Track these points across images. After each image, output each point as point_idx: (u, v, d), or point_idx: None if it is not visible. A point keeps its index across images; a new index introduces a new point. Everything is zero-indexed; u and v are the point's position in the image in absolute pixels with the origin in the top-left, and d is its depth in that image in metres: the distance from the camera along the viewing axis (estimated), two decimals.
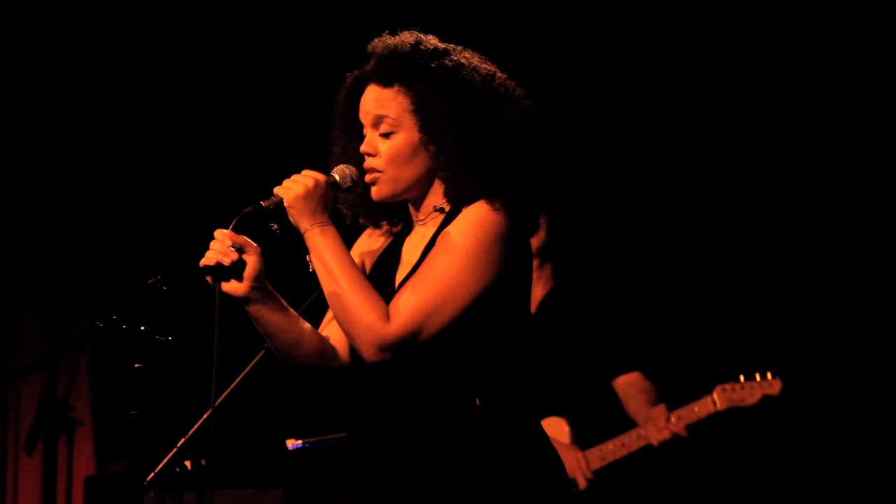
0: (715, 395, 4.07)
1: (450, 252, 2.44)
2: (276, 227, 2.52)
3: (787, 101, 4.90)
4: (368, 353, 2.43)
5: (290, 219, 2.50)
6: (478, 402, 2.47)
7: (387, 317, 2.42)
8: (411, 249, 2.59)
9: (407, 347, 2.41)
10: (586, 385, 4.24)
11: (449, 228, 2.48)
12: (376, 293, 2.45)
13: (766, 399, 4.03)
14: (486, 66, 2.58)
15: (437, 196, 2.56)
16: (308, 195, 2.48)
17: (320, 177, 2.52)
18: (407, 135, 2.53)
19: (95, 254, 5.69)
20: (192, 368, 3.60)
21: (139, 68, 5.56)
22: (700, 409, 4.09)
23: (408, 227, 2.65)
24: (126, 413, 4.09)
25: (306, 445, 4.32)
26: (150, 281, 3.40)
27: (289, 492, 4.75)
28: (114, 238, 5.64)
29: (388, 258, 2.64)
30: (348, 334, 2.47)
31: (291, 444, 4.38)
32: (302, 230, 2.50)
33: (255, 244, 2.49)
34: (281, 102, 5.39)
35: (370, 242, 2.72)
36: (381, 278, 2.60)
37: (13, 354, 5.56)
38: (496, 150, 2.49)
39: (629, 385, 4.23)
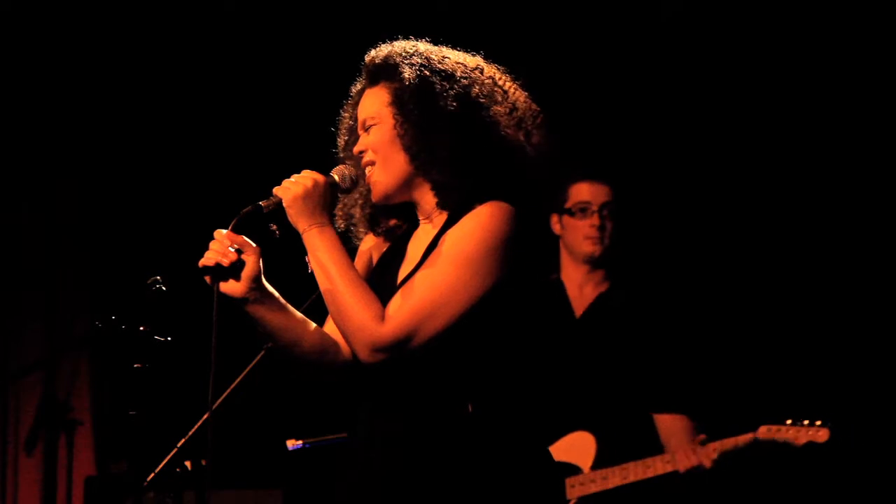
0: (758, 434, 3.95)
1: (450, 256, 2.44)
2: (274, 227, 2.53)
3: (788, 104, 4.90)
4: (362, 353, 2.44)
5: (289, 219, 2.51)
6: (470, 407, 2.47)
7: (382, 318, 2.42)
8: (416, 246, 2.59)
9: (401, 350, 2.41)
10: (621, 401, 4.10)
11: (452, 230, 2.48)
12: (372, 294, 2.45)
13: (811, 446, 3.95)
14: (475, 62, 2.60)
15: (430, 192, 2.57)
16: (307, 196, 2.49)
17: (319, 177, 2.53)
18: (385, 126, 2.55)
19: (95, 254, 5.69)
20: (191, 368, 3.60)
21: (139, 69, 5.56)
22: (740, 440, 3.98)
23: (415, 226, 2.65)
24: (126, 413, 4.09)
25: (306, 445, 4.31)
26: (149, 281, 3.40)
27: (289, 492, 4.74)
28: (114, 238, 5.63)
29: (393, 254, 2.65)
30: (343, 334, 2.48)
31: (291, 444, 4.37)
32: (300, 230, 2.51)
33: (253, 245, 2.49)
34: (281, 103, 5.39)
35: (375, 244, 2.73)
36: (385, 274, 2.61)
37: (13, 354, 5.56)
38: (474, 149, 2.50)
39: (672, 423, 4.08)
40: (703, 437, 4.00)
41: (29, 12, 5.51)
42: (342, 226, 2.68)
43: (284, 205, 2.50)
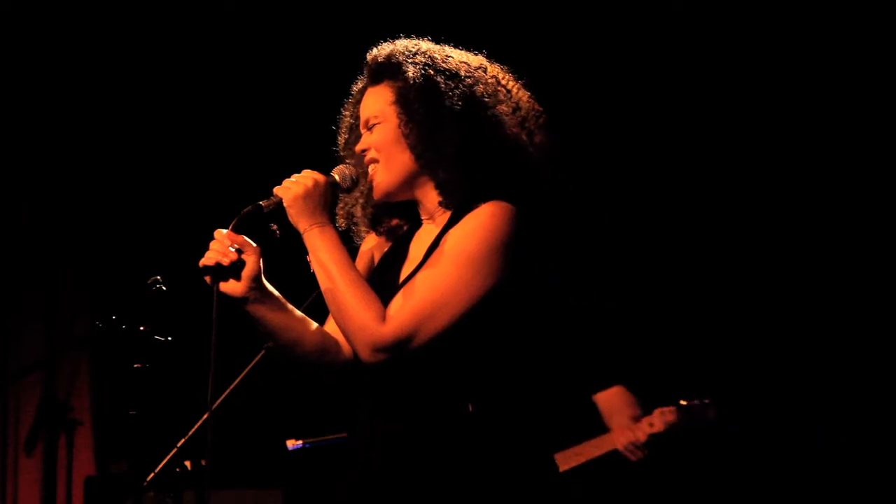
0: (653, 418, 3.99)
1: (451, 256, 2.43)
2: (275, 227, 2.52)
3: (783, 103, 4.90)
4: (363, 353, 2.43)
5: (290, 219, 2.50)
6: (471, 407, 2.47)
7: (383, 318, 2.41)
8: (418, 245, 2.59)
9: (402, 350, 2.41)
10: (557, 392, 4.10)
11: (453, 230, 2.48)
12: (373, 294, 2.45)
13: (701, 425, 3.97)
14: (478, 61, 2.60)
15: (434, 192, 2.56)
16: (307, 196, 2.49)
17: (320, 177, 2.53)
18: (389, 125, 2.55)
19: (95, 254, 5.69)
20: (191, 368, 3.60)
21: (139, 69, 5.57)
22: (638, 431, 4.02)
23: (417, 225, 2.65)
24: (126, 413, 4.09)
25: (306, 445, 4.32)
26: (149, 281, 3.40)
27: (289, 492, 4.75)
28: (114, 238, 5.64)
29: (396, 254, 2.65)
30: (345, 334, 2.47)
31: (291, 444, 4.38)
32: (301, 230, 2.50)
33: (254, 244, 2.49)
34: (281, 103, 5.39)
35: (377, 244, 2.73)
36: (386, 274, 2.60)
37: (13, 354, 5.56)
38: (479, 148, 2.50)
39: (612, 398, 4.12)
40: (637, 412, 4.03)
41: (29, 12, 5.51)
42: (343, 225, 2.67)
43: (285, 204, 2.50)
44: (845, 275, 4.81)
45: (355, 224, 2.69)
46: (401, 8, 4.78)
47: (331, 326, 2.62)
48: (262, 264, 2.50)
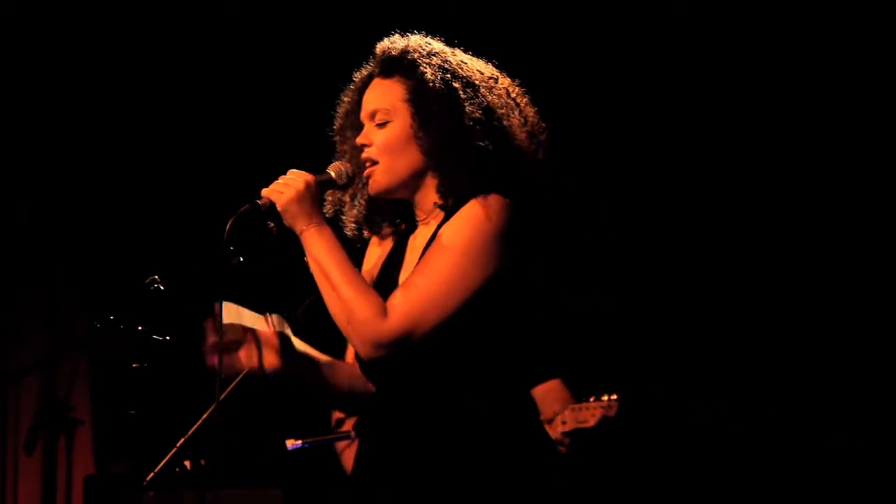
0: (565, 415, 3.98)
1: (445, 249, 2.44)
2: (272, 224, 2.52)
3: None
4: (365, 349, 2.44)
5: (285, 222, 2.51)
6: (473, 400, 2.47)
7: (384, 313, 2.42)
8: (415, 248, 2.60)
9: (403, 344, 2.41)
10: None
11: (447, 225, 2.48)
12: (373, 290, 2.46)
13: (605, 421, 3.95)
14: (490, 70, 2.61)
15: (434, 193, 2.56)
16: (300, 199, 2.49)
17: (309, 177, 2.53)
18: (400, 123, 2.54)
19: (95, 253, 5.70)
20: (191, 368, 3.59)
21: (139, 69, 5.57)
22: (551, 430, 3.98)
23: (413, 228, 2.65)
24: (126, 413, 4.09)
25: (306, 445, 4.31)
26: (147, 280, 3.40)
27: (289, 492, 4.74)
28: (113, 238, 5.64)
29: (394, 258, 2.65)
30: (345, 332, 2.48)
31: (291, 444, 4.37)
32: (298, 232, 2.51)
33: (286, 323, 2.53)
34: (280, 102, 5.39)
35: (378, 248, 2.73)
36: (387, 277, 2.61)
37: (13, 354, 5.56)
38: (489, 151, 2.50)
39: (548, 393, 4.09)
40: (555, 410, 4.00)
41: (29, 12, 5.52)
42: (330, 212, 2.66)
43: (279, 209, 2.50)
44: (844, 275, 4.81)
45: (342, 214, 2.69)
46: (398, 9, 4.78)
47: (352, 356, 2.65)
48: (290, 334, 2.53)
